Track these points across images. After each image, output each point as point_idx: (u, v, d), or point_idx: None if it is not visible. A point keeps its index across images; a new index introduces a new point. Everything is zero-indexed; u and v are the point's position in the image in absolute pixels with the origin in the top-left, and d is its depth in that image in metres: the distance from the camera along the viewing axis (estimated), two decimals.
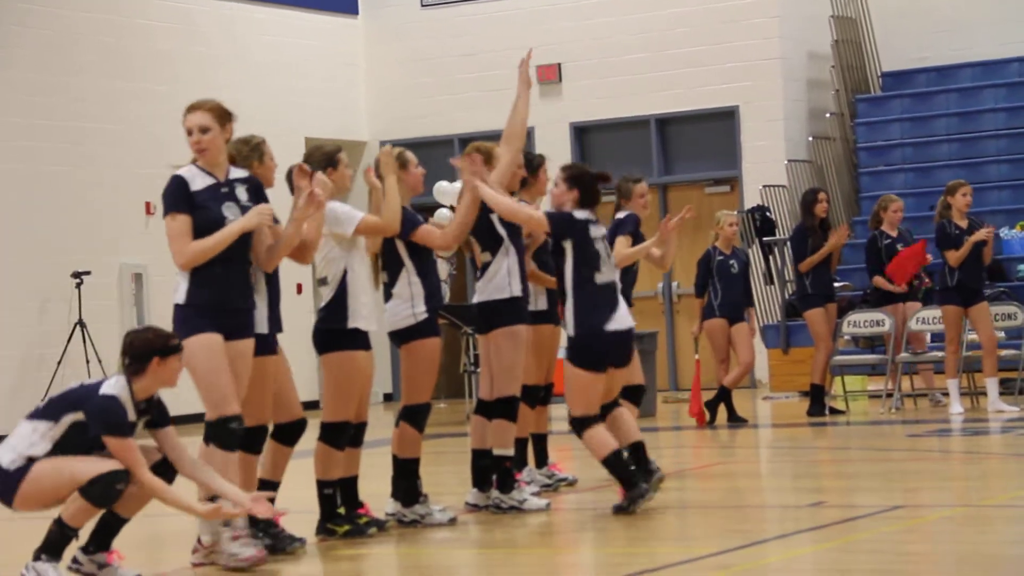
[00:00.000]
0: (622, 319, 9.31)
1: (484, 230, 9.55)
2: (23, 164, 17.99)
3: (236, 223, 8.01)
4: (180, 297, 7.97)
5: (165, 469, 7.70)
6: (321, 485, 8.85)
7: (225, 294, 8.00)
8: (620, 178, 11.51)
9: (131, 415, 7.60)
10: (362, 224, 8.71)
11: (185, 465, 7.72)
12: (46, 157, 18.21)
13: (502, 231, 9.53)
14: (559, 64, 21.28)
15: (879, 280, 15.79)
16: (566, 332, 9.28)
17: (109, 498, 7.52)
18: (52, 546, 7.54)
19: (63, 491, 7.51)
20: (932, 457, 11.78)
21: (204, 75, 19.61)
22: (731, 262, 15.40)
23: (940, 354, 15.70)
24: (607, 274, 9.31)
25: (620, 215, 11.13)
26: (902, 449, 12.87)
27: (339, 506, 8.93)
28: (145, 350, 7.63)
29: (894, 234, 15.76)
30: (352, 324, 8.71)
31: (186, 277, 7.96)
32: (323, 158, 8.81)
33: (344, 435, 8.80)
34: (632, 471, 9.26)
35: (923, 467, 11.66)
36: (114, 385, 7.61)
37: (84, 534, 7.73)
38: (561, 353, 15.64)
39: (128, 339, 7.72)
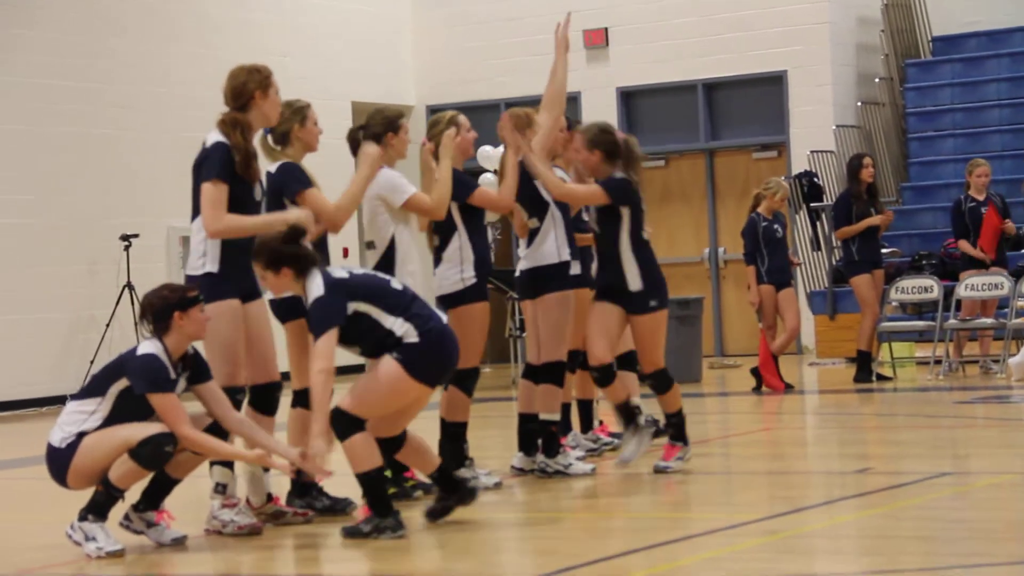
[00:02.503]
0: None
1: (530, 197, 9.52)
2: (71, 128, 18.05)
3: (280, 216, 7.95)
4: (212, 266, 7.88)
5: (216, 433, 7.75)
6: None
7: (248, 260, 7.97)
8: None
9: (171, 372, 7.65)
10: (412, 200, 8.67)
11: (229, 420, 7.76)
12: (93, 121, 18.26)
13: (547, 197, 9.50)
14: (606, 28, 21.17)
15: (964, 244, 15.81)
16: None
17: (158, 460, 7.56)
18: (98, 507, 7.60)
19: (114, 458, 7.56)
20: (980, 424, 11.70)
21: (250, 39, 19.61)
22: (775, 227, 15.30)
23: (989, 321, 15.64)
24: None
25: None
26: (950, 416, 12.80)
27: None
28: (164, 308, 7.66)
29: (980, 197, 15.74)
30: None
31: (217, 247, 7.88)
32: (384, 122, 8.75)
33: None
34: (387, 498, 7.85)
35: (971, 434, 11.59)
36: (149, 346, 7.67)
37: (136, 493, 7.78)
38: None
39: (146, 302, 7.74)
